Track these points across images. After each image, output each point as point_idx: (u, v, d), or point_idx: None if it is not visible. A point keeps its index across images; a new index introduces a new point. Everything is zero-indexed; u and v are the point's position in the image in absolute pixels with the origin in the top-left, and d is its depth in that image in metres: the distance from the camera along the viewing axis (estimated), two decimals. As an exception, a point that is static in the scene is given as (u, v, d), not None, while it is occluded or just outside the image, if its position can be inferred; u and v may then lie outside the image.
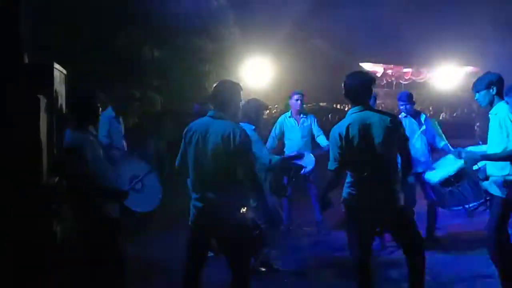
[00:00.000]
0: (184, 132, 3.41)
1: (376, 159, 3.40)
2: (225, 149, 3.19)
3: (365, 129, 3.39)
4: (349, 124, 3.41)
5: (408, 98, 5.48)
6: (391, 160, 3.48)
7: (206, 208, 3.27)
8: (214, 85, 3.52)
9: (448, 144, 5.34)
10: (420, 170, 5.20)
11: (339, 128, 3.45)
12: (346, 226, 3.64)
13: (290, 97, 6.40)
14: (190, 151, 3.33)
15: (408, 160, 3.55)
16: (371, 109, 3.54)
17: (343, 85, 3.54)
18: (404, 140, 3.55)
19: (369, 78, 3.58)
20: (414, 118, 5.49)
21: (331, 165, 3.49)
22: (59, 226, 3.80)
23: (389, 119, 3.44)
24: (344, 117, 3.56)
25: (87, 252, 3.42)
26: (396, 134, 3.45)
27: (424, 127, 5.45)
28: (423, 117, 5.51)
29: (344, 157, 3.43)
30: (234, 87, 3.42)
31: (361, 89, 3.49)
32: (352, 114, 3.46)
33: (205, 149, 3.24)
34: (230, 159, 3.20)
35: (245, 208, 3.29)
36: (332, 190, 3.59)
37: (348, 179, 3.51)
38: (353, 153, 3.41)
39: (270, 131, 6.38)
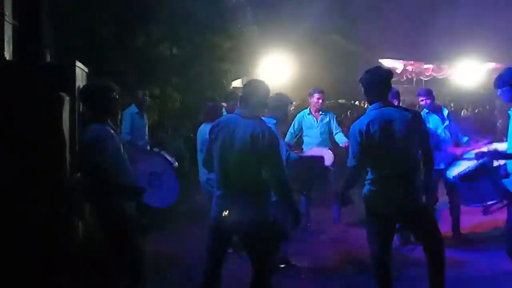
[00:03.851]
0: (210, 128, 3.39)
1: (397, 156, 3.37)
2: (253, 148, 3.16)
3: (386, 125, 3.35)
4: (370, 120, 3.37)
5: (427, 93, 5.43)
6: (412, 157, 3.44)
7: (230, 205, 3.24)
8: (245, 83, 3.55)
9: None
10: (442, 166, 5.13)
11: (360, 124, 3.42)
12: (365, 223, 3.62)
13: (310, 95, 6.36)
14: (216, 147, 3.31)
15: (430, 157, 3.50)
16: (392, 105, 3.50)
17: (360, 82, 3.52)
18: (425, 137, 3.50)
19: (387, 74, 3.53)
20: (437, 113, 5.43)
21: (351, 162, 3.47)
22: (81, 223, 3.86)
23: (410, 115, 3.40)
24: (363, 114, 3.53)
25: (107, 248, 3.45)
26: (417, 131, 3.41)
27: (447, 122, 5.38)
28: (445, 112, 5.44)
29: (364, 154, 3.40)
30: (266, 87, 3.39)
31: (378, 85, 3.46)
32: (373, 111, 3.43)
33: (232, 147, 3.21)
34: (257, 158, 3.17)
35: (269, 206, 3.29)
36: (352, 187, 3.58)
37: (369, 176, 3.48)
38: (373, 150, 3.38)
39: (289, 127, 6.38)
